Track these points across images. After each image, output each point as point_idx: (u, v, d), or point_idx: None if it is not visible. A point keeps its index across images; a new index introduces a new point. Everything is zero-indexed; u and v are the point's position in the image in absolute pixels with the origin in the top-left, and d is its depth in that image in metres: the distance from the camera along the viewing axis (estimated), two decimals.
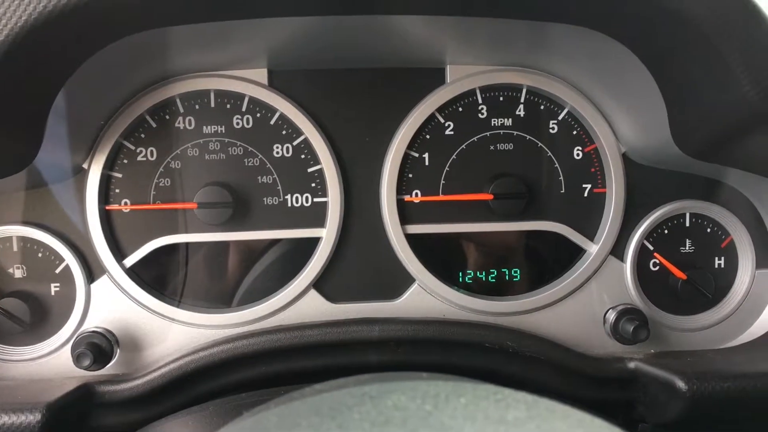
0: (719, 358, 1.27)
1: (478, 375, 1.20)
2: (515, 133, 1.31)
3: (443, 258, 1.32)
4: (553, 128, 1.31)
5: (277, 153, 1.28)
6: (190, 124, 1.26)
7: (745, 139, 1.09)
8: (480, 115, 1.30)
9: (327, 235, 1.27)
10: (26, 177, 1.12)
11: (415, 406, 0.51)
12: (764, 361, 1.21)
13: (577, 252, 1.33)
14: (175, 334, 1.25)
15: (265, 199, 1.28)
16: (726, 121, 1.05)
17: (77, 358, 1.15)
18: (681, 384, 1.10)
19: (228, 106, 1.26)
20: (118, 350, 1.22)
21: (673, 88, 1.07)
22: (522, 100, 1.30)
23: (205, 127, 1.26)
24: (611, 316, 1.29)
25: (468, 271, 1.33)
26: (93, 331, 1.20)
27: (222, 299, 1.29)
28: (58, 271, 1.24)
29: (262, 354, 1.18)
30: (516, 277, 1.34)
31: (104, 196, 1.24)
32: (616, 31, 1.00)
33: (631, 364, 1.23)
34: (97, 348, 1.16)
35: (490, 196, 1.28)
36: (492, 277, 1.33)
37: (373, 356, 1.21)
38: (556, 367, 1.22)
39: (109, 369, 1.21)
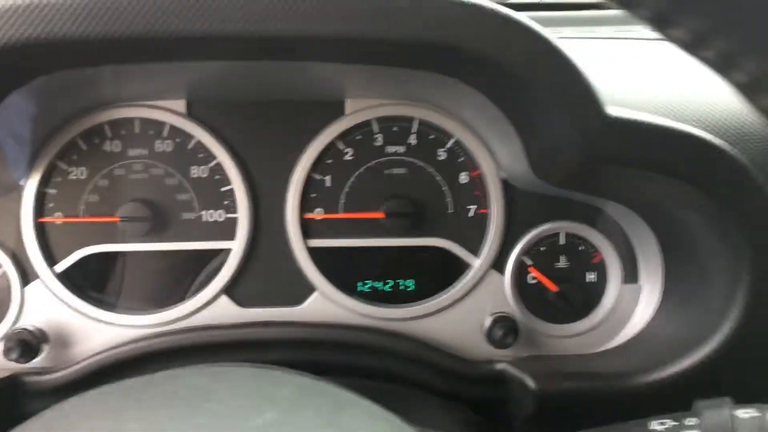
0: (578, 362, 1.43)
1: (364, 373, 1.37)
2: (407, 159, 1.47)
3: (343, 269, 1.48)
4: (441, 156, 1.48)
5: (194, 174, 1.44)
6: (117, 148, 1.42)
7: (592, 173, 1.26)
8: (376, 143, 1.47)
9: (236, 247, 1.44)
10: None
11: (203, 383, 0.67)
12: (611, 366, 1.37)
13: (463, 266, 1.49)
14: (99, 333, 1.41)
15: (182, 214, 1.44)
16: (568, 157, 1.21)
17: (6, 352, 1.32)
18: (530, 382, 1.28)
19: (151, 132, 1.43)
20: (47, 346, 1.38)
21: (519, 125, 1.23)
22: (414, 130, 1.47)
23: (130, 150, 1.43)
24: (488, 322, 1.46)
25: (366, 282, 1.49)
26: (23, 329, 1.36)
27: (143, 303, 1.45)
28: None
29: (171, 352, 1.35)
30: (409, 287, 1.50)
31: (39, 210, 1.41)
32: (454, 74, 1.17)
33: (500, 366, 1.39)
34: (25, 343, 1.32)
35: (382, 215, 1.45)
36: (388, 287, 1.50)
37: (272, 355, 1.37)
38: (433, 367, 1.39)
39: (39, 362, 1.37)
